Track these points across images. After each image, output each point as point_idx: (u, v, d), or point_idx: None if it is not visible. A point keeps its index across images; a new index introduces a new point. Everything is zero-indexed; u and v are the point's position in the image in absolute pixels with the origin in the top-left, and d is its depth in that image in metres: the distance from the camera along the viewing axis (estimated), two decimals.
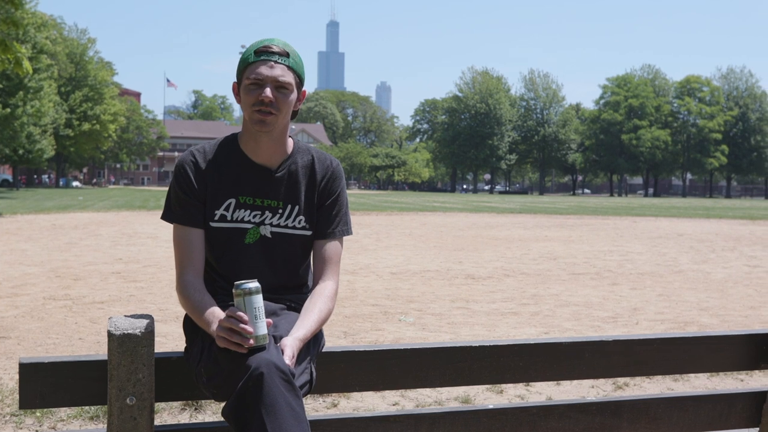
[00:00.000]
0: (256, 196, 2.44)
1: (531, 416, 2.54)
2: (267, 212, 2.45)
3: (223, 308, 2.29)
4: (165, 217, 2.49)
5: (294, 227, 2.47)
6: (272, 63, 2.37)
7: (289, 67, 2.40)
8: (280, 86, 2.37)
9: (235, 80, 2.46)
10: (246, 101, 2.39)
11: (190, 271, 2.39)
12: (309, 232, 2.50)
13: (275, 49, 2.39)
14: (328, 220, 2.51)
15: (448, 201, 52.51)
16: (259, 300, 2.11)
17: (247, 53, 2.41)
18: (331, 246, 2.51)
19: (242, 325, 2.05)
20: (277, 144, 2.46)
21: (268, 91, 2.35)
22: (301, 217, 2.48)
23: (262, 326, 2.09)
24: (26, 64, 14.95)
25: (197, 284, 2.37)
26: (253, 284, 2.12)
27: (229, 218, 2.43)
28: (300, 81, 2.45)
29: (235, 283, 2.13)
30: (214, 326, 2.16)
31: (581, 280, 11.07)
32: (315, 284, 2.47)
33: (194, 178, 2.42)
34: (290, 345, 2.15)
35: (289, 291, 2.48)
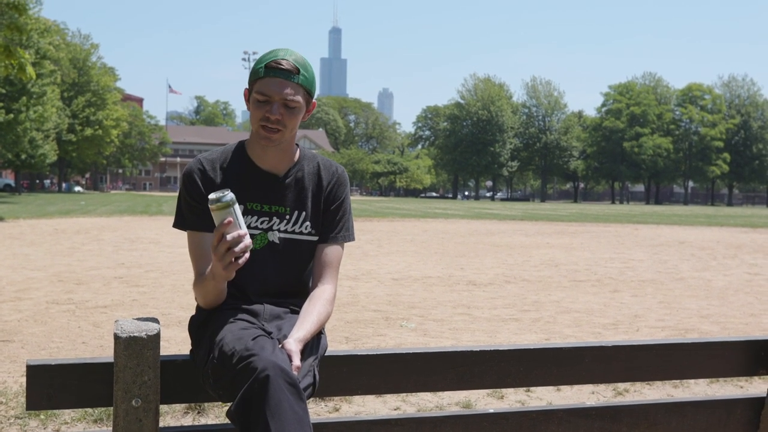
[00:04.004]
0: (264, 202, 2.47)
1: (531, 420, 2.56)
2: (275, 218, 2.48)
3: (230, 313, 2.33)
4: (177, 225, 2.50)
5: (301, 233, 2.51)
6: (281, 80, 2.36)
7: (300, 84, 2.39)
8: (287, 104, 2.38)
9: (247, 87, 2.47)
10: (254, 115, 2.40)
11: None
12: (315, 238, 2.53)
13: (285, 65, 2.36)
14: (331, 224, 2.55)
15: (450, 208, 52.52)
16: (237, 210, 2.16)
17: (259, 65, 2.40)
18: (332, 250, 2.54)
19: (233, 234, 2.11)
20: (284, 152, 2.50)
21: (275, 110, 2.36)
22: (308, 222, 2.51)
23: (246, 234, 2.16)
24: (29, 69, 15.02)
25: None
26: (230, 195, 2.15)
27: None
28: (310, 95, 2.44)
29: (210, 197, 2.14)
30: (213, 265, 2.21)
31: (582, 287, 11.08)
32: (314, 287, 2.50)
33: (202, 185, 2.44)
34: (294, 348, 2.17)
35: (293, 295, 2.51)
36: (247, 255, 2.16)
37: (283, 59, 2.38)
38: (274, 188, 2.49)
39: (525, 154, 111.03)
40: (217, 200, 2.13)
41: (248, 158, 2.51)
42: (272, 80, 2.36)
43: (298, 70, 2.38)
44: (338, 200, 2.56)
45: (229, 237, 2.11)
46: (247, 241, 2.13)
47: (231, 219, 2.12)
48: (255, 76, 2.40)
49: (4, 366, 5.63)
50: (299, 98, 2.39)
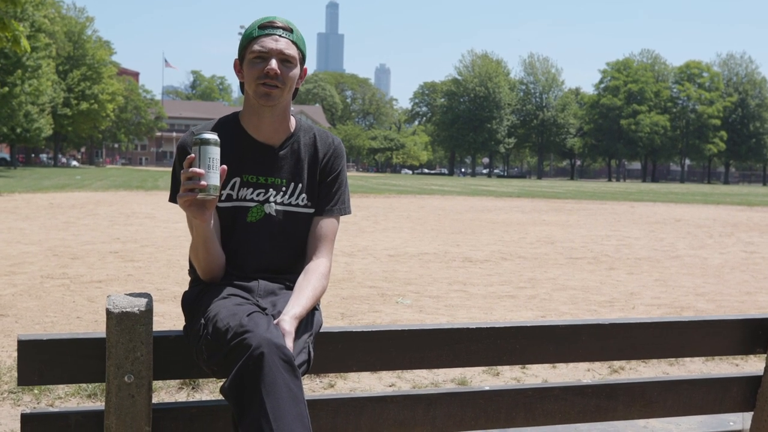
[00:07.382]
0: (260, 174, 2.45)
1: (527, 398, 2.54)
2: (271, 190, 2.45)
3: (224, 288, 2.30)
4: (173, 199, 2.45)
5: (297, 205, 2.48)
6: (276, 36, 2.38)
7: (293, 42, 2.41)
8: (284, 59, 2.37)
9: (237, 57, 2.46)
10: (250, 75, 2.38)
11: None
12: (311, 210, 2.50)
13: (279, 23, 2.40)
14: (327, 197, 2.52)
15: (446, 184, 52.48)
16: (213, 151, 2.16)
17: (251, 29, 2.42)
18: (327, 223, 2.51)
19: (192, 169, 2.12)
20: (279, 121, 2.46)
21: (273, 63, 2.35)
22: (304, 194, 2.48)
23: (215, 177, 2.15)
24: (24, 42, 14.81)
25: None
26: (212, 135, 2.16)
27: (234, 197, 2.43)
28: (302, 57, 2.46)
29: (194, 133, 2.21)
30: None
31: (578, 264, 11.09)
32: (308, 260, 2.47)
33: None
34: (289, 328, 2.14)
35: (288, 270, 2.48)
36: (210, 198, 2.16)
37: (275, 19, 2.42)
38: (269, 159, 2.46)
39: (522, 131, 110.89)
40: (195, 137, 2.17)
41: (243, 130, 2.48)
42: (267, 37, 2.38)
43: (291, 30, 2.42)
44: (334, 172, 2.53)
45: (186, 171, 2.13)
46: (203, 182, 2.12)
47: (193, 156, 2.14)
48: (248, 39, 2.41)
49: None
50: (294, 54, 2.40)
